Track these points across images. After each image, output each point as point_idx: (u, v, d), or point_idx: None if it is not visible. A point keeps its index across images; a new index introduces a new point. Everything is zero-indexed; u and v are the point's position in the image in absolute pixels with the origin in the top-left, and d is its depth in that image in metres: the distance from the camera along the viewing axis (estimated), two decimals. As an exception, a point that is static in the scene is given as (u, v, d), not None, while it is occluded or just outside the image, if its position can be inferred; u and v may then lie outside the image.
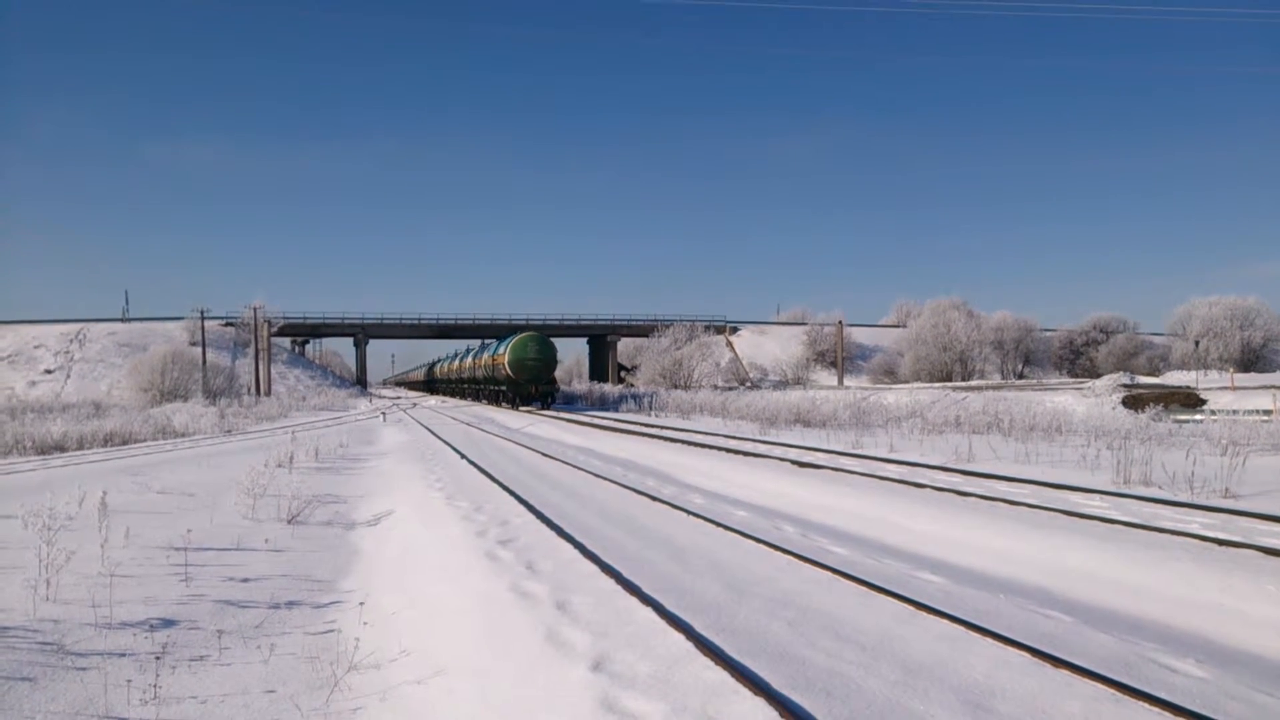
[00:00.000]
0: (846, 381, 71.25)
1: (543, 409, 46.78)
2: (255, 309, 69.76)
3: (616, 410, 46.96)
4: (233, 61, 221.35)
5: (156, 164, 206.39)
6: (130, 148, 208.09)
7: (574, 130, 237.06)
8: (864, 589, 7.12)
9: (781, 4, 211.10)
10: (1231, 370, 54.43)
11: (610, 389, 64.23)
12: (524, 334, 52.65)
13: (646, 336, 76.78)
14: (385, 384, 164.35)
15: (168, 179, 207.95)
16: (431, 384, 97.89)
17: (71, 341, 76.89)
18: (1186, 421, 24.15)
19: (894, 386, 56.72)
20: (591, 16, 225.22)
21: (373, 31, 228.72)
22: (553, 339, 52.27)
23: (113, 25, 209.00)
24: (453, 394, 76.13)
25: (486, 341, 65.52)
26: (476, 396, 62.72)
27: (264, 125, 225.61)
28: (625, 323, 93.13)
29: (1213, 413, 28.69)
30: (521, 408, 48.09)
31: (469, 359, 67.05)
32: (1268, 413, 26.56)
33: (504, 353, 51.11)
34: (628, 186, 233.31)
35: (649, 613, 6.14)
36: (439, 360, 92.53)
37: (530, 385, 49.50)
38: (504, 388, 51.71)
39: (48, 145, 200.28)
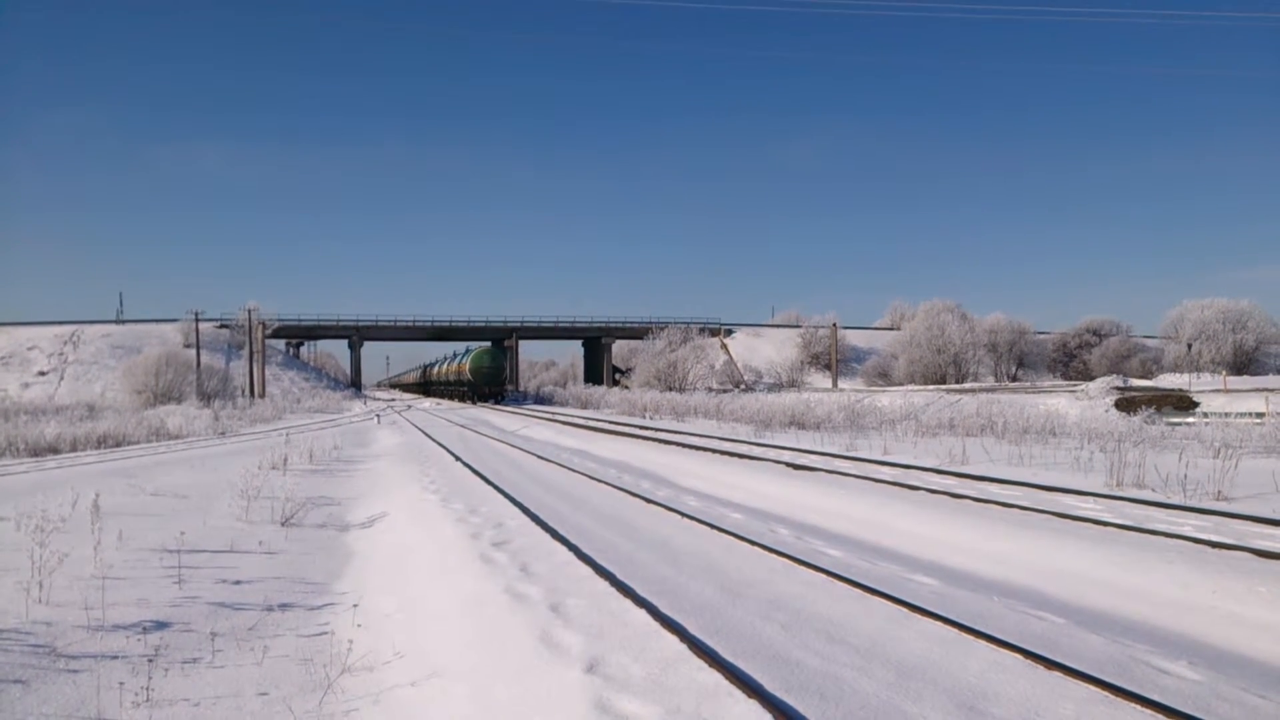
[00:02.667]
0: (841, 384, 71.29)
1: (496, 404, 62.69)
2: (250, 311, 69.50)
3: (550, 404, 62.18)
4: (231, 67, 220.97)
5: (152, 167, 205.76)
6: (126, 151, 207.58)
7: (569, 133, 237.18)
8: (858, 591, 7.14)
9: (775, 8, 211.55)
10: (1224, 373, 54.64)
11: (598, 390, 64.96)
12: (480, 347, 70.30)
13: (641, 339, 76.75)
14: (380, 386, 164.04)
15: (163, 182, 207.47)
16: (426, 386, 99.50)
17: (65, 343, 76.58)
18: (1179, 424, 24.23)
19: (888, 389, 56.78)
20: (585, 21, 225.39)
21: (370, 37, 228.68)
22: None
23: (114, 31, 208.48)
24: (440, 395, 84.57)
25: (456, 351, 79.13)
26: (449, 396, 76.32)
27: (260, 130, 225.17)
28: (620, 325, 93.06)
29: (1205, 415, 28.82)
30: (479, 404, 63.30)
31: (445, 365, 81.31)
32: (1260, 415, 26.67)
33: (466, 362, 68.67)
34: (623, 189, 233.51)
35: (643, 615, 6.15)
36: (432, 363, 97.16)
37: (485, 386, 66.60)
38: (466, 388, 68.43)
39: (45, 148, 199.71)
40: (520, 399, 72.86)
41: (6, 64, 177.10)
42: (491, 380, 67.14)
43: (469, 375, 67.27)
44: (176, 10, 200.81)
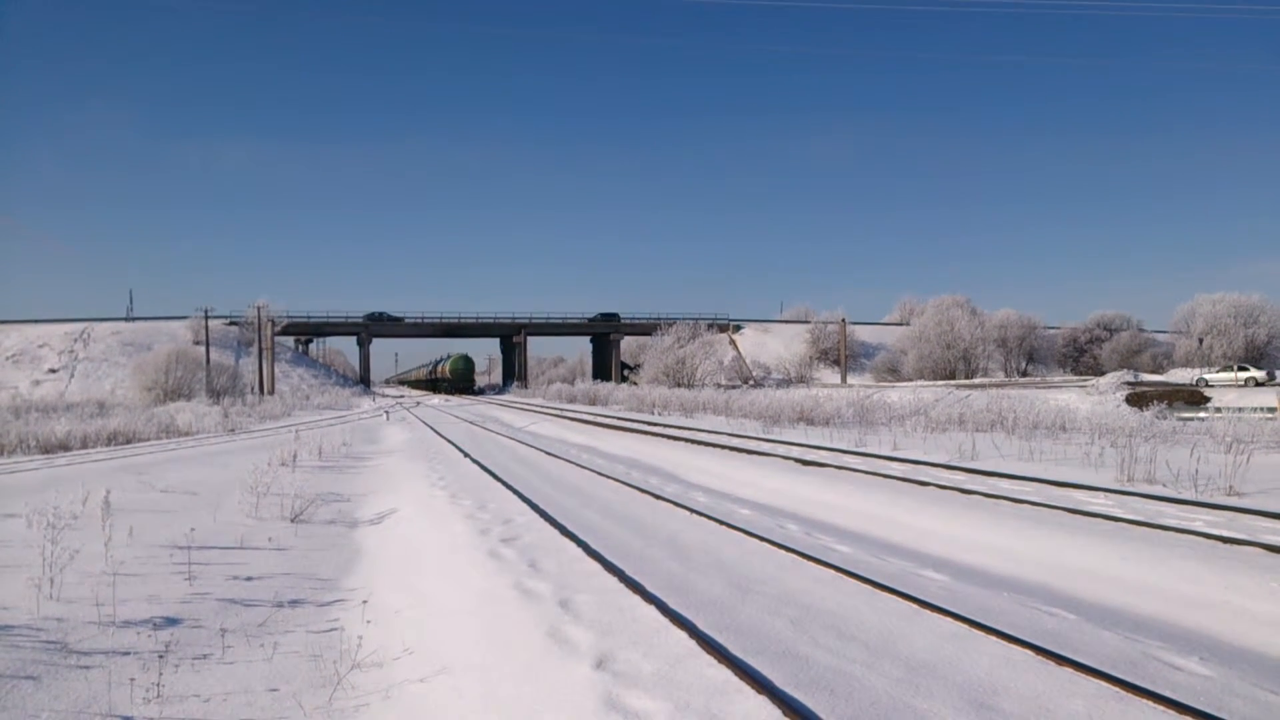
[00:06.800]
0: (850, 379, 71.16)
1: (472, 395, 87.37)
2: (259, 308, 69.84)
3: (502, 393, 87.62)
4: (238, 65, 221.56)
5: (160, 165, 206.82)
6: (134, 149, 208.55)
7: (577, 130, 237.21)
8: (867, 587, 7.12)
9: (788, 4, 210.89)
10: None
11: (606, 386, 64.96)
12: (456, 355, 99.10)
13: (650, 335, 76.75)
14: (389, 383, 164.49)
15: (172, 179, 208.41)
16: (434, 383, 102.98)
17: (75, 341, 76.96)
18: (1190, 419, 24.10)
19: (897, 384, 56.64)
20: (593, 18, 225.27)
21: (383, 34, 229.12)
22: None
23: (125, 29, 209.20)
24: (442, 391, 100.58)
25: (443, 355, 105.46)
26: (440, 390, 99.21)
27: (267, 128, 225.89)
28: (628, 321, 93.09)
29: (1217, 410, 28.65)
30: (454, 396, 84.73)
31: (438, 366, 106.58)
32: (1271, 410, 26.51)
33: (446, 365, 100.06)
34: (631, 186, 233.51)
35: (652, 611, 6.14)
36: (438, 361, 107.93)
37: (459, 383, 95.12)
38: (445, 385, 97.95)
39: (53, 146, 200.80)
40: (491, 392, 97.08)
41: (11, 63, 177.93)
42: (463, 378, 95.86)
43: (448, 375, 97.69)
44: (183, 8, 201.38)
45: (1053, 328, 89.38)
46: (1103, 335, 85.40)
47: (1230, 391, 33.53)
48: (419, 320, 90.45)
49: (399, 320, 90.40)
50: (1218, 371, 39.73)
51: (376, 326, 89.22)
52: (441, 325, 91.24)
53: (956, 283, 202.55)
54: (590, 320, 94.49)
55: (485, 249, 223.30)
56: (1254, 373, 38.63)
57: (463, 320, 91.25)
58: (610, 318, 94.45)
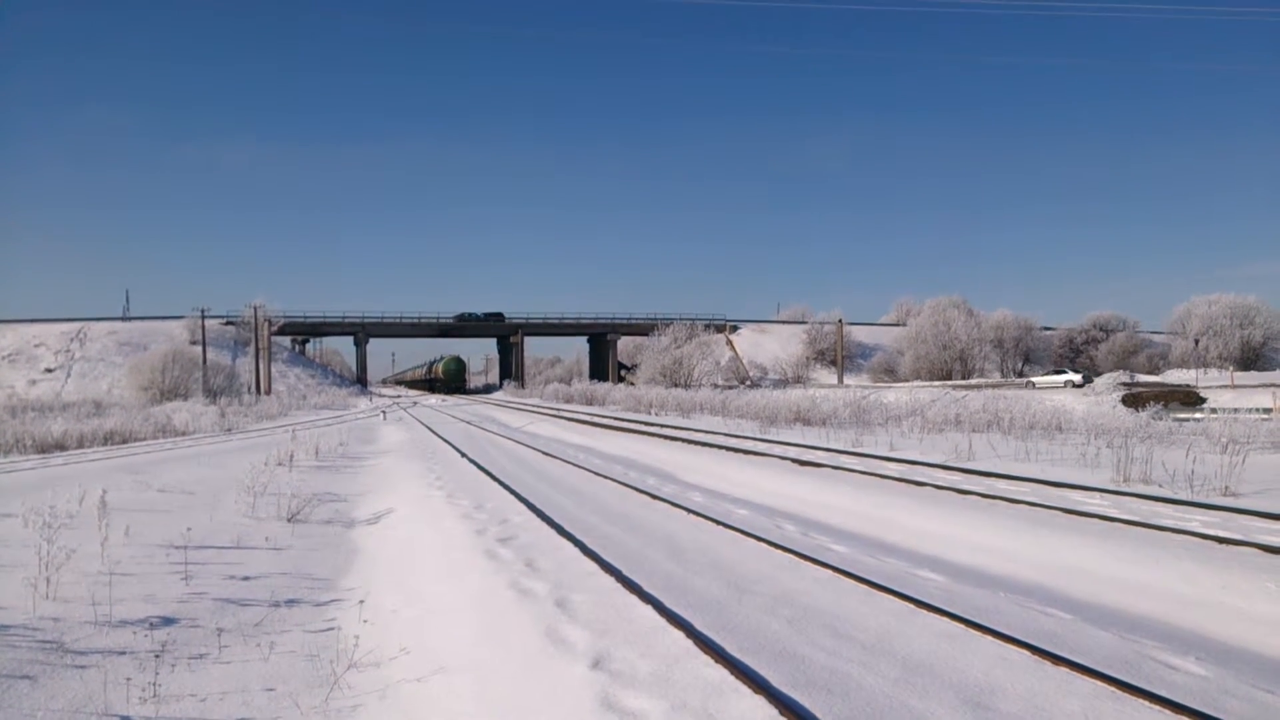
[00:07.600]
0: (847, 380, 71.18)
1: (466, 395, 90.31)
2: (255, 308, 69.73)
3: (491, 393, 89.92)
4: (238, 67, 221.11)
5: (157, 164, 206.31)
6: (130, 149, 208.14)
7: (575, 131, 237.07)
8: (864, 587, 7.12)
9: (785, 4, 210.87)
10: (1231, 369, 54.49)
11: (603, 386, 64.91)
12: (449, 356, 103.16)
13: (647, 335, 76.74)
14: (385, 383, 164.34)
15: (168, 179, 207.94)
16: (431, 383, 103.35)
17: (72, 340, 76.75)
18: (1186, 420, 24.13)
19: (894, 385, 56.68)
20: (598, 17, 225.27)
21: (383, 34, 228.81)
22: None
23: (123, 29, 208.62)
24: (436, 391, 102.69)
25: (436, 357, 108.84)
26: (433, 390, 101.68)
27: (264, 128, 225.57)
28: (625, 321, 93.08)
29: (1213, 411, 28.69)
30: (447, 396, 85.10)
31: (432, 366, 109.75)
32: (1267, 411, 26.57)
33: (439, 366, 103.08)
34: (629, 186, 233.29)
35: (649, 611, 6.14)
36: (434, 361, 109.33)
37: (450, 384, 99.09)
38: (438, 385, 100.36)
39: (50, 146, 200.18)
40: (480, 391, 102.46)
41: (11, 63, 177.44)
42: (455, 379, 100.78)
43: (441, 376, 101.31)
44: (183, 9, 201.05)
45: (1049, 328, 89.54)
46: (1099, 336, 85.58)
47: (1226, 392, 33.64)
48: (416, 320, 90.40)
49: (487, 320, 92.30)
50: (1044, 375, 47.92)
51: (374, 326, 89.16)
52: (439, 325, 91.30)
53: (953, 283, 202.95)
54: (482, 319, 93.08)
55: (482, 249, 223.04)
56: (1070, 375, 46.67)
57: (460, 320, 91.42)
58: (495, 317, 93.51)
